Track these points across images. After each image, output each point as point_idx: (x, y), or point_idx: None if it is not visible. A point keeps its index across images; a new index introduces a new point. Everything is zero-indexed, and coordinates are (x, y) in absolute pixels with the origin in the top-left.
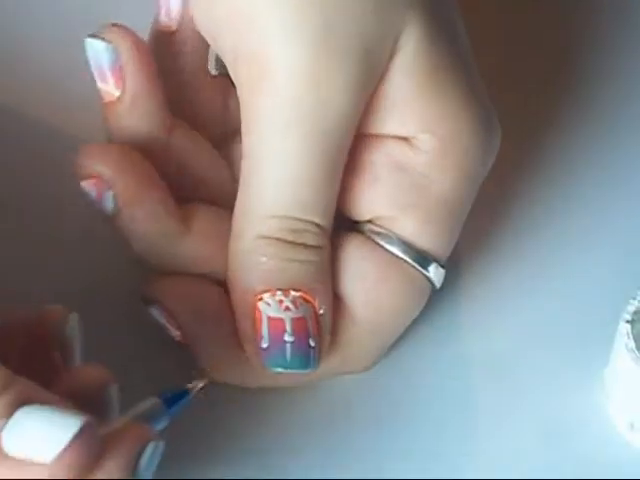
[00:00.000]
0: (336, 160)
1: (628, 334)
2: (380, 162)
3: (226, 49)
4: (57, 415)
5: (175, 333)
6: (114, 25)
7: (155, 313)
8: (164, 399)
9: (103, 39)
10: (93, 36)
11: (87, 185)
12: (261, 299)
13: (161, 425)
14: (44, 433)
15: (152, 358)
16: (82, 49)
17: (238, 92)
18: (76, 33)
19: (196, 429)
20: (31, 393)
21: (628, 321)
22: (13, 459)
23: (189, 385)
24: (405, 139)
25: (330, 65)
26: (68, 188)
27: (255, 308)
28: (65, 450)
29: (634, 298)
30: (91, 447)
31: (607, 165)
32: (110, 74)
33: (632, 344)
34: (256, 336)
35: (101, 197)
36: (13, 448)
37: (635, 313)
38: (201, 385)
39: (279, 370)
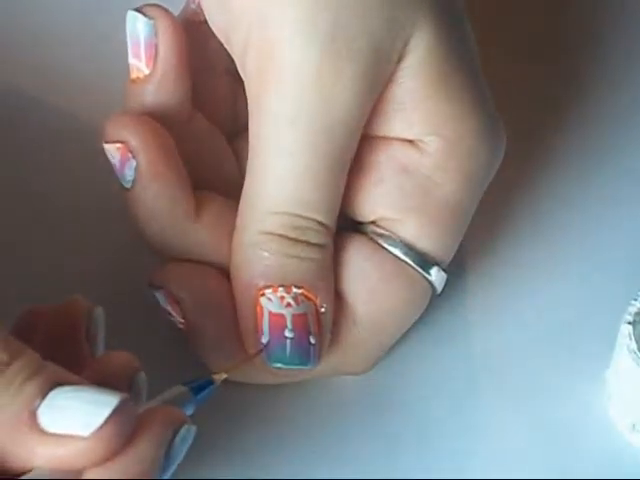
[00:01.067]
0: (340, 159)
1: (630, 335)
2: (385, 164)
3: (237, 42)
4: (93, 393)
5: (179, 320)
6: (155, 5)
7: (160, 298)
8: (189, 387)
9: (144, 14)
10: (135, 10)
11: (111, 149)
12: (263, 294)
13: (187, 412)
14: (82, 409)
15: (165, 352)
16: (98, 37)
17: (245, 85)
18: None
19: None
20: (63, 376)
21: (630, 322)
22: (50, 435)
23: (214, 376)
24: (411, 141)
25: (337, 63)
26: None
27: (257, 303)
28: (103, 425)
29: (635, 299)
30: (128, 424)
31: (608, 169)
32: (144, 50)
33: (634, 345)
34: (256, 331)
35: (123, 165)
36: (50, 424)
37: (637, 314)
38: (225, 376)
39: (278, 365)
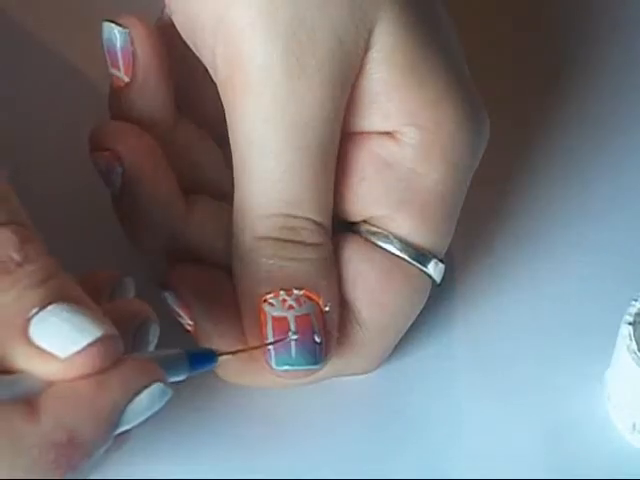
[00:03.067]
0: (322, 154)
1: (630, 336)
2: (366, 160)
3: (205, 49)
4: (86, 319)
5: (187, 322)
6: (129, 14)
7: (170, 299)
8: (189, 355)
9: (119, 24)
10: (109, 20)
11: (97, 157)
12: (265, 300)
13: (178, 378)
14: (68, 331)
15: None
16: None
17: (219, 91)
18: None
19: (195, 430)
20: (70, 291)
21: (630, 323)
22: (35, 347)
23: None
24: (390, 134)
25: (302, 58)
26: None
27: (260, 310)
28: (79, 352)
29: (636, 300)
30: (104, 359)
31: (607, 165)
32: (121, 59)
33: (634, 346)
34: (261, 337)
35: (110, 173)
36: (38, 337)
37: (637, 315)
38: (228, 357)
39: (285, 368)
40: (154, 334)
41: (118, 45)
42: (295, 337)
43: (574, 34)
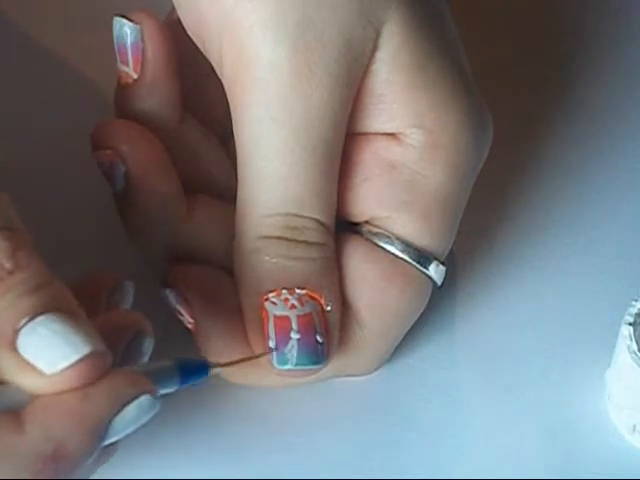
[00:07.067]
0: (327, 155)
1: (630, 336)
2: (370, 161)
3: (212, 48)
4: (75, 333)
5: (188, 320)
6: (141, 10)
7: (171, 297)
8: (180, 368)
9: (130, 19)
10: (121, 15)
11: (100, 156)
12: (267, 299)
13: (169, 390)
14: (56, 346)
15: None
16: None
17: (226, 90)
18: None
19: (195, 428)
20: (62, 301)
21: (630, 323)
22: (21, 358)
23: (212, 369)
24: (393, 135)
25: (310, 58)
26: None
27: (262, 309)
28: (66, 368)
29: (636, 300)
30: (91, 375)
31: (608, 167)
32: (131, 55)
33: (634, 346)
34: (263, 336)
35: (112, 171)
36: (26, 348)
37: (637, 315)
38: (219, 370)
39: (287, 367)
40: (148, 347)
41: (129, 41)
42: (297, 336)
43: (575, 34)
